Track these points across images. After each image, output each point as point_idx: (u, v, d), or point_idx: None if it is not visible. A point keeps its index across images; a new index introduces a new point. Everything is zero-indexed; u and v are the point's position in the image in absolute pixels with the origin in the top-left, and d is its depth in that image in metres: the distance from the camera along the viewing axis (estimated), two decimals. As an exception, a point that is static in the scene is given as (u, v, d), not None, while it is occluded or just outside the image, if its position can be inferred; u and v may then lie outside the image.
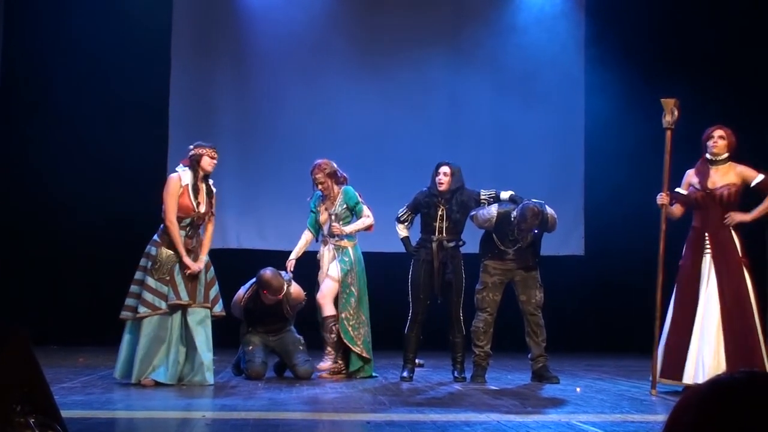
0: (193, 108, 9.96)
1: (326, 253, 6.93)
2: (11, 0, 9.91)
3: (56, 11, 9.79)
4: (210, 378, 6.11)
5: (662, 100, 6.08)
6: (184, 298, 6.09)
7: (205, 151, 6.27)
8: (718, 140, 6.08)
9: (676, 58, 10.33)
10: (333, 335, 6.78)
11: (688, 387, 5.88)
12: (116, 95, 9.75)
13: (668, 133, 6.04)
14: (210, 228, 6.40)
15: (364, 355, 6.80)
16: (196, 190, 6.24)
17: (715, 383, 1.35)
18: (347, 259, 6.86)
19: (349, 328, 6.79)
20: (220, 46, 10.09)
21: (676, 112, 6.01)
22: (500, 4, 10.31)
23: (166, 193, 6.15)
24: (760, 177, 6.04)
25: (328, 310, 6.81)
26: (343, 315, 6.79)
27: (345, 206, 6.90)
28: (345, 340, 6.78)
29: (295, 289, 6.82)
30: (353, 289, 6.82)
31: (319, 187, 6.92)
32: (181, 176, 6.21)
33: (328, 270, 6.86)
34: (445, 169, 6.75)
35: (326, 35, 10.12)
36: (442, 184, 6.73)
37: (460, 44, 10.18)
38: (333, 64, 10.10)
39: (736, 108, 10.07)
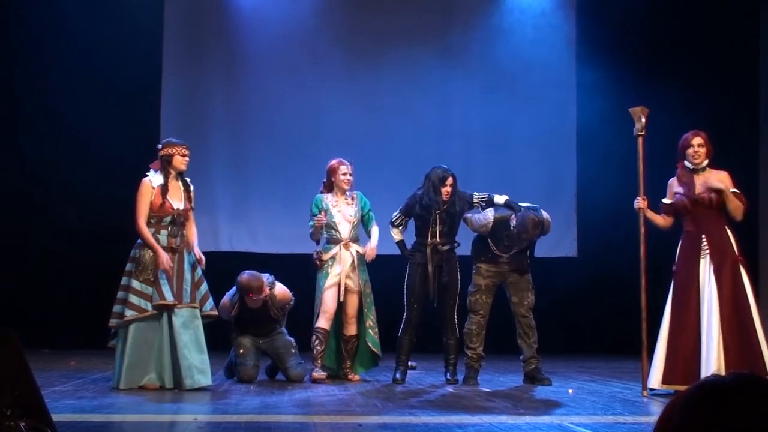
0: (184, 110, 9.94)
1: (346, 258, 6.80)
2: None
3: (49, 10, 9.75)
4: (202, 380, 5.99)
5: (630, 109, 6.23)
6: (169, 298, 6.00)
7: (175, 149, 6.23)
8: (699, 149, 6.14)
9: (668, 57, 10.34)
10: (352, 352, 6.87)
11: (677, 390, 5.91)
12: (108, 98, 9.71)
13: (639, 140, 6.18)
14: (191, 224, 6.33)
15: (378, 354, 6.93)
16: (167, 190, 6.17)
17: (702, 385, 1.36)
18: (364, 268, 6.88)
19: (375, 335, 6.88)
20: (212, 49, 10.08)
21: (643, 119, 6.14)
22: (490, 3, 10.30)
23: (138, 197, 6.15)
24: (734, 191, 6.10)
25: (355, 329, 6.85)
26: (368, 324, 6.85)
27: (361, 211, 6.92)
28: (373, 348, 6.86)
29: (280, 290, 6.79)
30: (371, 297, 6.91)
31: (348, 182, 6.86)
32: (152, 179, 6.19)
33: (346, 279, 6.76)
34: (451, 180, 6.70)
35: (317, 37, 10.11)
36: (447, 195, 6.71)
37: (450, 44, 10.17)
38: (324, 67, 10.09)
39: (727, 106, 10.11)
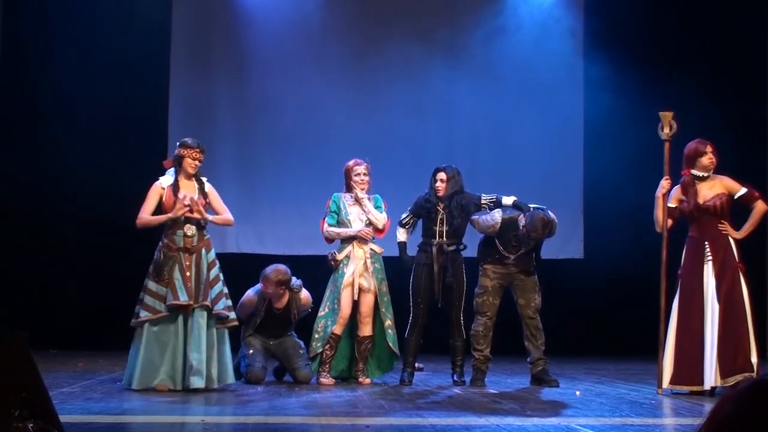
0: (192, 110, 9.94)
1: (359, 256, 6.73)
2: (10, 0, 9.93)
3: (59, 11, 9.77)
4: (195, 381, 5.90)
5: (660, 113, 6.28)
6: (183, 298, 5.98)
7: (186, 152, 6.22)
8: (713, 157, 6.28)
9: (677, 58, 10.30)
10: (366, 354, 6.78)
11: (693, 392, 6.02)
12: (117, 98, 9.73)
13: (666, 144, 6.29)
14: (221, 216, 6.33)
15: (397, 354, 6.85)
16: (178, 189, 6.18)
17: (756, 383, 1.39)
18: (379, 266, 6.82)
19: (394, 335, 6.82)
20: (219, 53, 10.09)
21: (674, 125, 6.26)
22: (497, 3, 10.28)
23: (146, 198, 6.23)
24: (743, 190, 6.29)
25: (369, 329, 6.75)
26: (387, 323, 6.79)
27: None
28: (393, 348, 6.78)
29: (305, 295, 6.85)
30: (389, 296, 6.83)
31: (364, 184, 6.79)
32: (162, 181, 6.25)
33: (359, 278, 6.70)
34: (441, 175, 6.77)
35: (324, 42, 10.12)
36: (439, 190, 6.74)
37: (456, 42, 10.14)
38: (330, 70, 10.09)
39: (736, 107, 10.08)
